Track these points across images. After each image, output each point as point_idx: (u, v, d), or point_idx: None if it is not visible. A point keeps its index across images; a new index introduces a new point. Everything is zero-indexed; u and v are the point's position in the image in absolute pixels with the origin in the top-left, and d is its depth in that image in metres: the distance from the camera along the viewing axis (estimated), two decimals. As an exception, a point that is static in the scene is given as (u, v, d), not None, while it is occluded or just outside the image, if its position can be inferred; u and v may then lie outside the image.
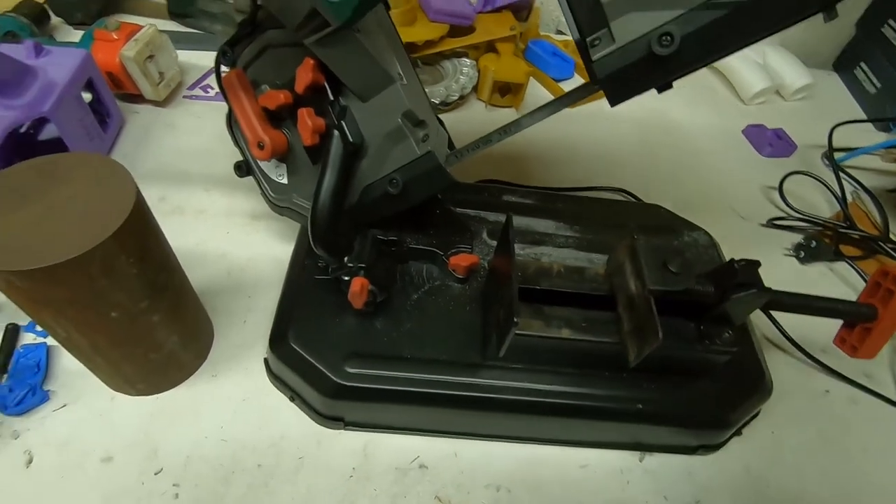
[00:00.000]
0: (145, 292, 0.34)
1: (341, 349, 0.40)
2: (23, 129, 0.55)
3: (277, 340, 0.41)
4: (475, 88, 0.71)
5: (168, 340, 0.38)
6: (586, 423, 0.41)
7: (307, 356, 0.40)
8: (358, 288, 0.38)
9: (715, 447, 0.44)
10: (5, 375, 0.41)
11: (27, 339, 0.43)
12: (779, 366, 0.51)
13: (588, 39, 0.28)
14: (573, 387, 0.40)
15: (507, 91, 0.71)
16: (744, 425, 0.45)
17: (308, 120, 0.36)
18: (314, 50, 0.34)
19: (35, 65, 0.49)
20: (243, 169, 0.44)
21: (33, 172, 0.31)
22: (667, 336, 0.37)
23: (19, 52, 0.50)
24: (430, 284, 0.45)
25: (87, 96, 0.56)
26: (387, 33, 0.37)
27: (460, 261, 0.44)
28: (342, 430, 0.42)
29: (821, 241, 0.60)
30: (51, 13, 0.69)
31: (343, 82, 0.36)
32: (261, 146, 0.39)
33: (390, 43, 0.37)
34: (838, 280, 0.59)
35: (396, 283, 0.44)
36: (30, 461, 0.38)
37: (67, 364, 0.42)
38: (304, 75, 0.36)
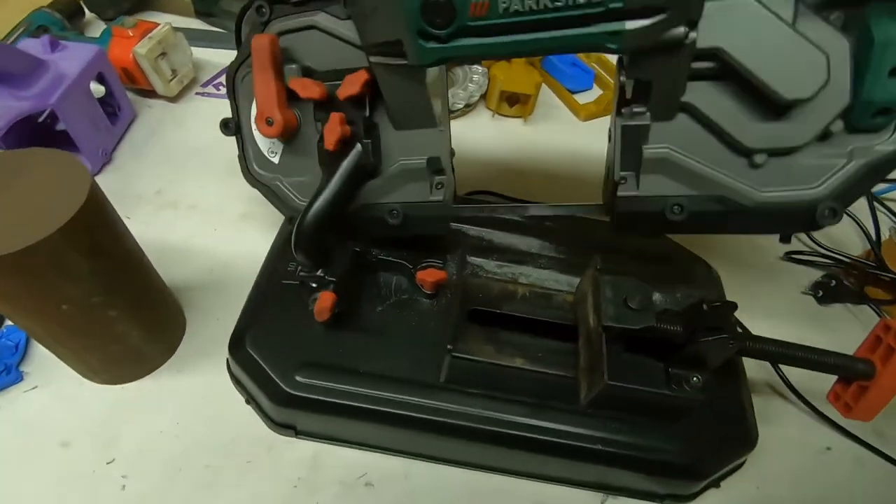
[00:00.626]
0: (99, 288, 0.34)
1: (295, 357, 0.40)
2: (40, 119, 0.58)
3: (236, 343, 0.41)
4: (484, 96, 0.70)
5: (129, 335, 0.39)
6: (542, 457, 0.39)
7: (261, 362, 0.40)
8: (326, 304, 0.38)
9: (686, 498, 0.41)
10: (-14, 353, 0.43)
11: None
12: (775, 415, 0.47)
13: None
14: (530, 418, 0.38)
15: (516, 101, 0.69)
16: (722, 477, 0.42)
17: (339, 127, 0.35)
18: (375, 70, 0.33)
19: (48, 59, 0.51)
20: (231, 128, 0.40)
21: (1, 165, 0.33)
22: (628, 375, 0.35)
23: (36, 46, 0.52)
24: (396, 297, 0.44)
25: (100, 90, 0.58)
26: (441, 80, 0.38)
27: (427, 276, 0.42)
28: (294, 438, 0.41)
29: (844, 281, 0.54)
30: (85, 9, 0.73)
31: (387, 106, 0.36)
32: (269, 122, 0.37)
33: (441, 89, 0.37)
34: (859, 326, 0.54)
35: (362, 294, 0.43)
36: (-5, 438, 0.40)
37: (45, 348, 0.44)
38: (352, 86, 0.34)
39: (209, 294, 0.49)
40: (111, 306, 0.36)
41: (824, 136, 0.30)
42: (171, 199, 0.56)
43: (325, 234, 0.39)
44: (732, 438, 0.39)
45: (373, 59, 0.32)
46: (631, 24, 0.25)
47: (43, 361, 0.43)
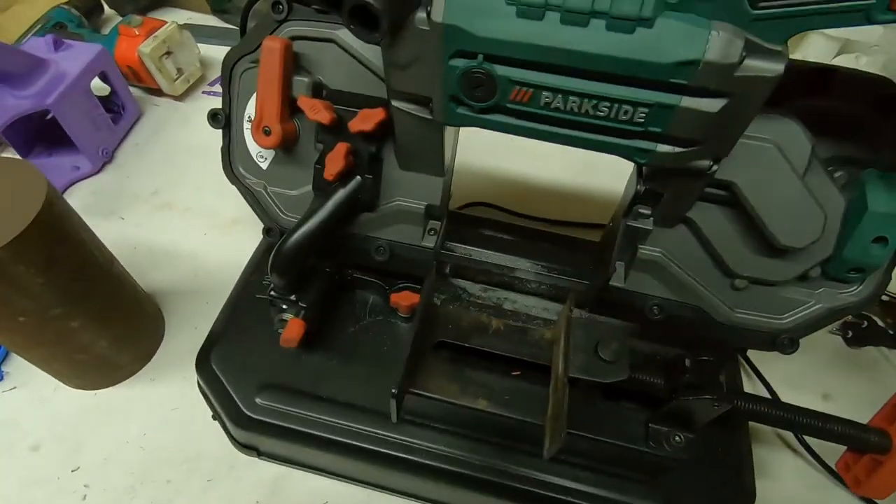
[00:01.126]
0: (57, 300, 0.34)
1: (257, 378, 0.38)
2: (48, 117, 0.58)
3: (203, 358, 0.40)
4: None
5: (95, 344, 0.39)
6: (508, 502, 0.36)
7: (224, 381, 0.39)
8: (293, 334, 0.36)
9: (669, 558, 0.37)
10: (-28, 351, 0.44)
11: None
12: (786, 473, 0.42)
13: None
14: (497, 461, 0.36)
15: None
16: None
17: (343, 160, 0.33)
18: (394, 112, 0.31)
19: (51, 58, 0.52)
20: (220, 121, 0.37)
21: (-39, 175, 0.32)
22: (599, 427, 0.31)
23: (40, 45, 0.53)
24: (370, 319, 0.42)
25: (104, 89, 0.59)
26: (456, 131, 0.37)
27: (401, 299, 0.40)
28: (257, 459, 0.40)
29: (878, 322, 0.48)
30: (105, 6, 0.74)
31: (396, 146, 0.34)
32: (266, 132, 0.35)
33: (453, 140, 0.37)
34: (893, 372, 0.48)
35: (334, 313, 0.41)
36: (-30, 437, 0.40)
37: (27, 348, 0.45)
38: (367, 123, 0.32)
39: (191, 300, 0.49)
40: (72, 318, 0.35)
41: (802, 277, 0.32)
42: (166, 199, 0.56)
43: (305, 259, 0.37)
44: (725, 498, 0.35)
45: (395, 102, 0.30)
46: (663, 148, 0.26)
47: (23, 363, 0.44)
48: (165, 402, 0.43)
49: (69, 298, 0.35)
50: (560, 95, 0.25)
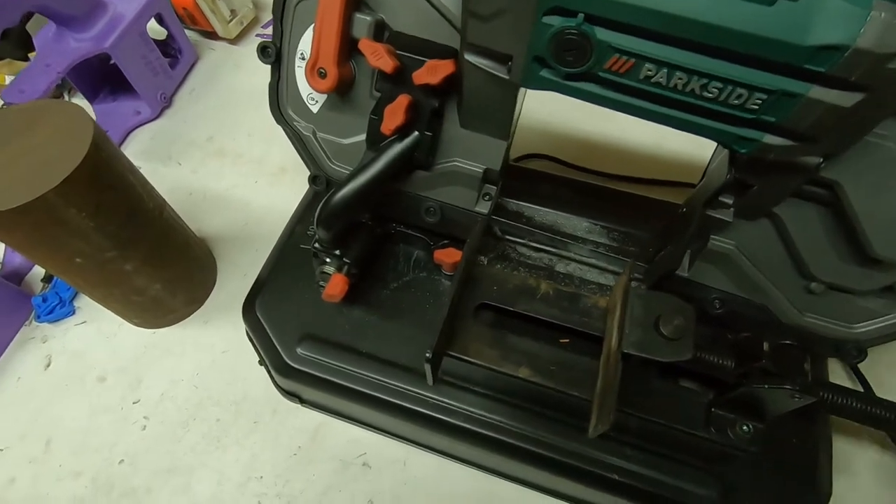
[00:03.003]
0: (109, 243, 0.35)
1: (300, 328, 0.38)
2: (112, 61, 0.60)
3: (249, 305, 0.40)
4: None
5: (150, 287, 0.40)
6: (548, 473, 0.35)
7: (267, 329, 0.39)
8: (336, 290, 0.35)
9: (721, 548, 0.35)
10: (49, 285, 0.47)
11: (74, 256, 0.49)
12: (869, 468, 0.37)
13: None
14: (537, 430, 0.34)
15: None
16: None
17: (403, 114, 0.31)
18: (465, 67, 0.28)
19: (108, 0, 0.52)
20: (270, 55, 0.35)
21: (19, 117, 0.33)
22: (657, 407, 0.29)
23: (97, -15, 0.53)
24: (413, 275, 0.40)
25: (161, 32, 0.59)
26: (521, 103, 0.34)
27: (445, 256, 0.38)
28: (299, 406, 0.41)
29: None
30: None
31: (461, 103, 0.31)
32: (322, 74, 0.32)
33: (520, 103, 0.34)
34: None
35: (377, 267, 0.40)
36: (48, 364, 0.44)
37: (95, 285, 0.47)
38: (433, 76, 0.30)
39: (240, 247, 0.49)
40: (126, 261, 0.36)
41: (888, 288, 0.29)
42: (220, 146, 0.56)
43: (353, 215, 0.36)
44: (794, 495, 0.32)
45: (468, 56, 0.27)
46: (770, 139, 0.23)
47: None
48: (217, 344, 0.44)
49: (121, 242, 0.35)
50: (665, 69, 0.22)
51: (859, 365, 0.39)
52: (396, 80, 0.31)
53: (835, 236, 0.28)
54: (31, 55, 0.65)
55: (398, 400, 0.36)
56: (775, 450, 0.31)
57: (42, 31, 0.51)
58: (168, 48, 0.60)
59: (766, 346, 0.26)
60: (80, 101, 0.59)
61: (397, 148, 0.32)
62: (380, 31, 0.31)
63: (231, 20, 0.62)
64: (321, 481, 0.38)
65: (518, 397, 0.34)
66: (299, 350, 0.37)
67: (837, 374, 0.41)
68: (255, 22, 0.66)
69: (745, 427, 0.28)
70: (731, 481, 0.31)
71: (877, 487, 0.37)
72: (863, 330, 0.31)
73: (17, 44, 0.61)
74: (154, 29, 0.57)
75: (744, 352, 0.28)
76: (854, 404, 0.28)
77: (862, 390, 0.36)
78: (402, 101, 0.30)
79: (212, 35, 0.64)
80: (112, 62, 0.59)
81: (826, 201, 0.27)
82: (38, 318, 0.45)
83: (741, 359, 0.27)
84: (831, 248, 0.28)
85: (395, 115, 0.30)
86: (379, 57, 0.30)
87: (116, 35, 0.51)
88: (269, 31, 0.66)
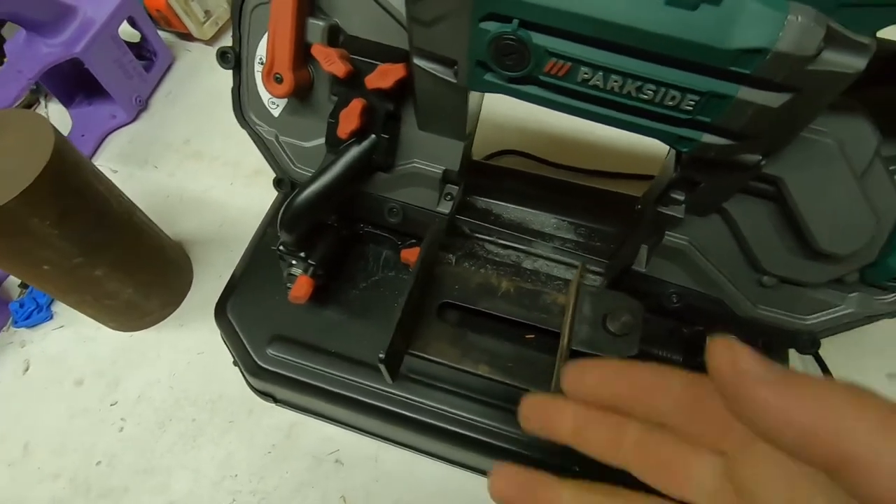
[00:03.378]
0: (76, 250, 0.35)
1: (269, 329, 0.39)
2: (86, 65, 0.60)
3: (220, 307, 0.41)
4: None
5: (122, 291, 0.40)
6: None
7: (238, 330, 0.39)
8: (302, 291, 0.36)
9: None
10: (25, 291, 0.47)
11: (52, 261, 0.50)
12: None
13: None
14: (501, 424, 0.34)
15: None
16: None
17: (358, 118, 0.31)
18: (416, 71, 0.28)
19: (77, 4, 0.52)
20: (230, 61, 0.35)
21: (-22, 126, 0.33)
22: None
23: (67, -9, 0.53)
24: (381, 274, 0.41)
25: (134, 35, 0.59)
26: (479, 102, 0.35)
27: (411, 255, 0.38)
28: (273, 405, 0.42)
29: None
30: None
31: (416, 105, 0.32)
32: (278, 79, 0.32)
33: (477, 104, 0.34)
34: (982, 354, 0.41)
35: (345, 268, 0.40)
36: (26, 369, 0.44)
37: (73, 290, 0.48)
38: (385, 80, 0.30)
39: (216, 249, 0.50)
40: (95, 267, 0.37)
41: (837, 280, 0.30)
42: (197, 148, 0.57)
43: (315, 217, 0.36)
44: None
45: (417, 60, 0.28)
46: (709, 139, 0.23)
47: (70, 303, 0.47)
48: (192, 346, 0.45)
49: (89, 248, 0.36)
50: (601, 73, 0.22)
51: (825, 353, 0.40)
52: (351, 84, 0.31)
53: (783, 231, 0.28)
54: (5, 61, 0.65)
55: (366, 398, 0.36)
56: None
57: (14, 38, 0.51)
58: (142, 51, 0.60)
59: (709, 339, 0.27)
60: (56, 106, 0.59)
61: (355, 151, 0.32)
62: (334, 36, 0.31)
63: (206, 21, 0.62)
64: (294, 478, 0.39)
65: (481, 393, 0.35)
66: (269, 351, 0.38)
67: (800, 366, 0.41)
68: (230, 23, 0.65)
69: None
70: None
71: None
72: (815, 321, 0.31)
73: (-7, 49, 0.61)
74: (127, 32, 0.57)
75: (694, 345, 0.28)
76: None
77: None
78: (356, 105, 0.31)
79: (187, 36, 0.64)
80: (86, 66, 0.59)
81: (772, 197, 0.27)
82: (15, 323, 0.46)
83: (691, 353, 0.28)
84: (780, 242, 0.29)
85: (349, 119, 0.31)
86: (331, 62, 0.30)
87: (87, 39, 0.51)
88: (245, 31, 0.66)
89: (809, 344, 0.31)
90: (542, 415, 0.20)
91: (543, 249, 0.40)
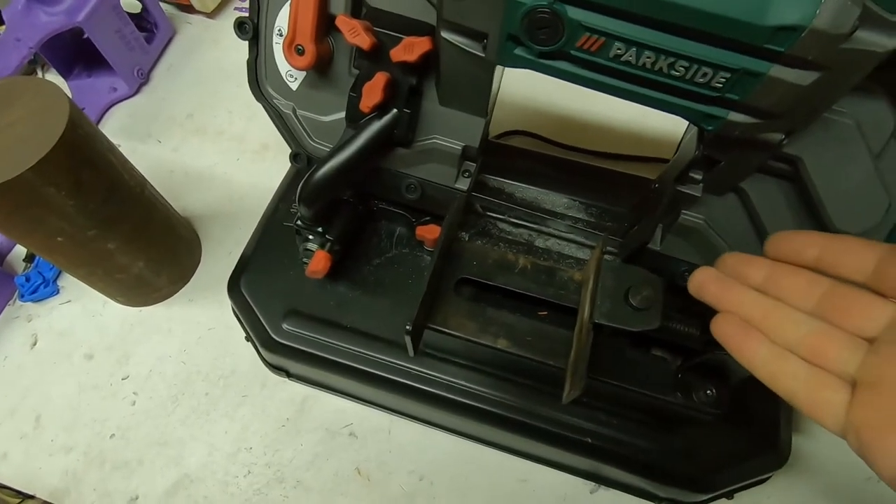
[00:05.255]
0: (90, 222, 0.35)
1: (284, 304, 0.39)
2: (85, 35, 0.58)
3: (234, 283, 0.41)
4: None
5: (133, 265, 0.40)
6: (528, 439, 0.36)
7: (253, 305, 0.39)
8: (320, 266, 0.36)
9: (688, 504, 0.37)
10: (31, 265, 0.47)
11: (56, 235, 0.49)
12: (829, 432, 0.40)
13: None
14: (515, 398, 0.35)
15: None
16: (738, 489, 0.37)
17: (381, 92, 0.31)
18: (442, 44, 0.28)
19: (77, -29, 0.50)
20: (247, 31, 0.34)
21: (-10, 94, 0.32)
22: (627, 374, 0.30)
23: (67, -43, 0.51)
24: (395, 251, 0.41)
25: (135, 5, 0.57)
26: (499, 80, 0.34)
27: (427, 232, 0.39)
28: (286, 380, 0.42)
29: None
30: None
31: (439, 79, 0.31)
32: (299, 51, 0.32)
33: (498, 80, 0.34)
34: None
35: (359, 244, 0.41)
36: (34, 343, 0.44)
37: (78, 264, 0.47)
38: (410, 53, 0.29)
39: (224, 225, 0.49)
40: (108, 240, 0.37)
41: None
42: (200, 123, 0.56)
43: (334, 192, 0.36)
44: (754, 454, 0.34)
45: (444, 33, 0.27)
46: (735, 117, 0.24)
47: (76, 279, 0.47)
48: (203, 322, 0.45)
49: (102, 220, 0.35)
50: (634, 48, 0.23)
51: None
52: (374, 58, 0.31)
53: (797, 210, 0.29)
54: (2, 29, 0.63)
55: (382, 372, 0.37)
56: (738, 412, 0.33)
57: (11, 4, 0.50)
58: (143, 22, 0.59)
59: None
60: (54, 77, 0.58)
61: (376, 125, 0.32)
62: (357, 8, 0.31)
63: (207, -7, 0.60)
64: (309, 450, 0.40)
65: (496, 367, 0.36)
66: (285, 325, 0.38)
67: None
68: (232, -5, 0.64)
69: (708, 391, 0.29)
70: (694, 442, 0.33)
71: (834, 449, 0.39)
72: None
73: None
74: (128, 3, 0.55)
75: (708, 321, 0.29)
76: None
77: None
78: (380, 78, 0.30)
79: (188, 9, 0.63)
80: (85, 37, 0.57)
81: (788, 176, 0.28)
82: (21, 297, 0.45)
83: (707, 327, 0.29)
84: (793, 221, 0.30)
85: (373, 92, 0.31)
86: (356, 34, 0.30)
87: (89, 8, 0.49)
88: (247, 4, 0.65)
89: None
90: (734, 266, 0.24)
91: (555, 228, 0.40)
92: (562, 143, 0.51)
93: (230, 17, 0.64)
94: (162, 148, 0.54)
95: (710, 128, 0.25)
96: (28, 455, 0.40)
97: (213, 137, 0.55)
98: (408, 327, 0.28)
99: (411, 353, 0.31)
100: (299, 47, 0.32)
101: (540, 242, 0.40)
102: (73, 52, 0.57)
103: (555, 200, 0.42)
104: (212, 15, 0.63)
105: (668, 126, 0.53)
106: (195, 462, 0.39)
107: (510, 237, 0.39)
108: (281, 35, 0.34)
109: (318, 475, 0.39)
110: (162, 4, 0.60)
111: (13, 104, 0.32)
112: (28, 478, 0.39)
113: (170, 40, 0.61)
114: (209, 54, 0.61)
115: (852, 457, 0.35)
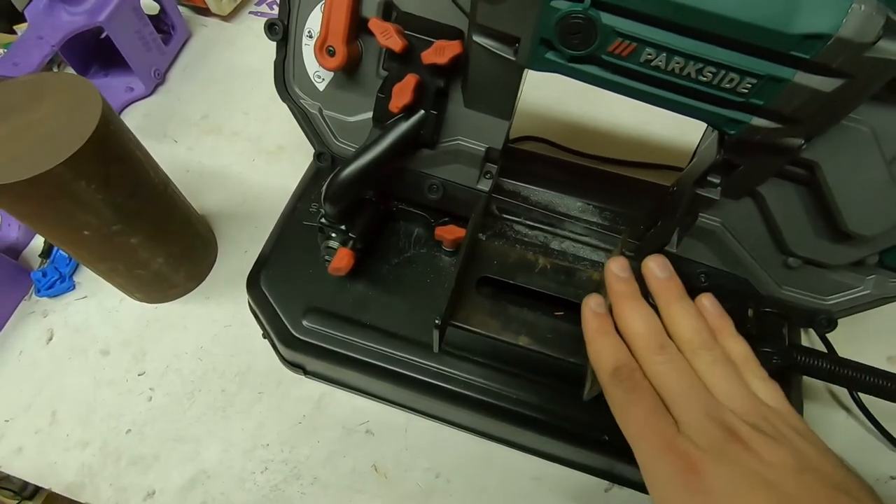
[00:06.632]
0: (116, 217, 0.35)
1: (305, 301, 0.39)
2: (103, 35, 0.59)
3: (253, 280, 0.41)
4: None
5: (153, 261, 0.40)
6: (543, 437, 0.37)
7: (273, 302, 0.40)
8: (343, 263, 0.36)
9: (701, 503, 0.37)
10: (47, 260, 0.47)
11: (71, 232, 0.49)
12: (836, 431, 0.41)
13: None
14: (534, 397, 0.36)
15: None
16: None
17: (411, 93, 0.32)
18: (472, 48, 0.29)
19: (99, -28, 0.51)
20: (277, 33, 0.35)
21: (22, 89, 0.33)
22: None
23: (89, -41, 0.52)
24: (414, 251, 0.42)
25: (153, 7, 0.58)
26: (523, 84, 0.35)
27: (446, 233, 0.39)
28: (303, 377, 0.42)
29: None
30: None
31: (466, 82, 0.32)
32: (330, 52, 0.33)
33: (523, 84, 0.35)
34: (973, 339, 0.44)
35: (379, 244, 0.41)
36: (50, 338, 0.44)
37: (94, 261, 0.47)
38: (441, 56, 0.30)
39: (240, 224, 0.50)
40: (132, 234, 0.37)
41: (858, 263, 0.31)
42: (216, 124, 0.56)
43: (359, 191, 0.37)
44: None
45: (476, 37, 0.28)
46: (758, 122, 0.25)
47: (92, 274, 0.47)
48: (219, 319, 0.45)
49: (128, 215, 0.36)
50: (664, 54, 0.23)
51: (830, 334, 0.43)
52: (404, 60, 0.32)
53: (812, 214, 0.30)
54: (17, 27, 0.63)
55: (401, 369, 0.37)
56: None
57: (33, 3, 0.50)
58: (160, 24, 0.59)
59: (750, 312, 0.29)
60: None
61: (404, 126, 0.33)
62: (388, 12, 0.32)
63: (224, -4, 0.61)
64: (326, 447, 0.40)
65: (515, 365, 0.36)
66: (305, 322, 0.39)
67: (806, 341, 0.44)
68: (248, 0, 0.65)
69: (726, 388, 0.30)
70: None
71: (842, 448, 0.40)
72: (834, 301, 0.33)
73: (1, 15, 0.60)
74: (146, 4, 0.56)
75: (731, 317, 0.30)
76: (825, 365, 0.30)
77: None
78: (410, 80, 0.31)
79: (204, 11, 0.63)
80: (103, 36, 0.58)
81: (805, 181, 0.29)
82: (38, 292, 0.45)
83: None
84: (808, 225, 0.31)
85: (403, 93, 0.32)
86: (388, 36, 0.30)
87: (111, 8, 0.50)
88: (263, 8, 0.66)
89: (826, 323, 0.33)
90: None
91: (570, 230, 0.41)
92: (573, 149, 0.52)
93: (245, 20, 0.65)
94: (178, 147, 0.55)
95: (732, 132, 0.26)
96: (43, 449, 0.40)
97: (228, 138, 0.55)
98: (437, 321, 0.28)
99: (436, 347, 0.32)
100: (330, 48, 0.33)
101: (555, 245, 0.40)
102: (91, 52, 0.58)
103: (569, 204, 0.43)
104: (227, 18, 0.64)
105: (672, 134, 0.54)
106: (211, 458, 0.40)
107: (526, 239, 0.40)
108: (311, 37, 0.35)
109: (334, 472, 0.39)
110: (179, 7, 0.61)
111: (43, 99, 0.33)
112: (43, 472, 0.39)
113: (186, 42, 0.62)
114: (224, 56, 0.61)
115: (853, 457, 0.36)
